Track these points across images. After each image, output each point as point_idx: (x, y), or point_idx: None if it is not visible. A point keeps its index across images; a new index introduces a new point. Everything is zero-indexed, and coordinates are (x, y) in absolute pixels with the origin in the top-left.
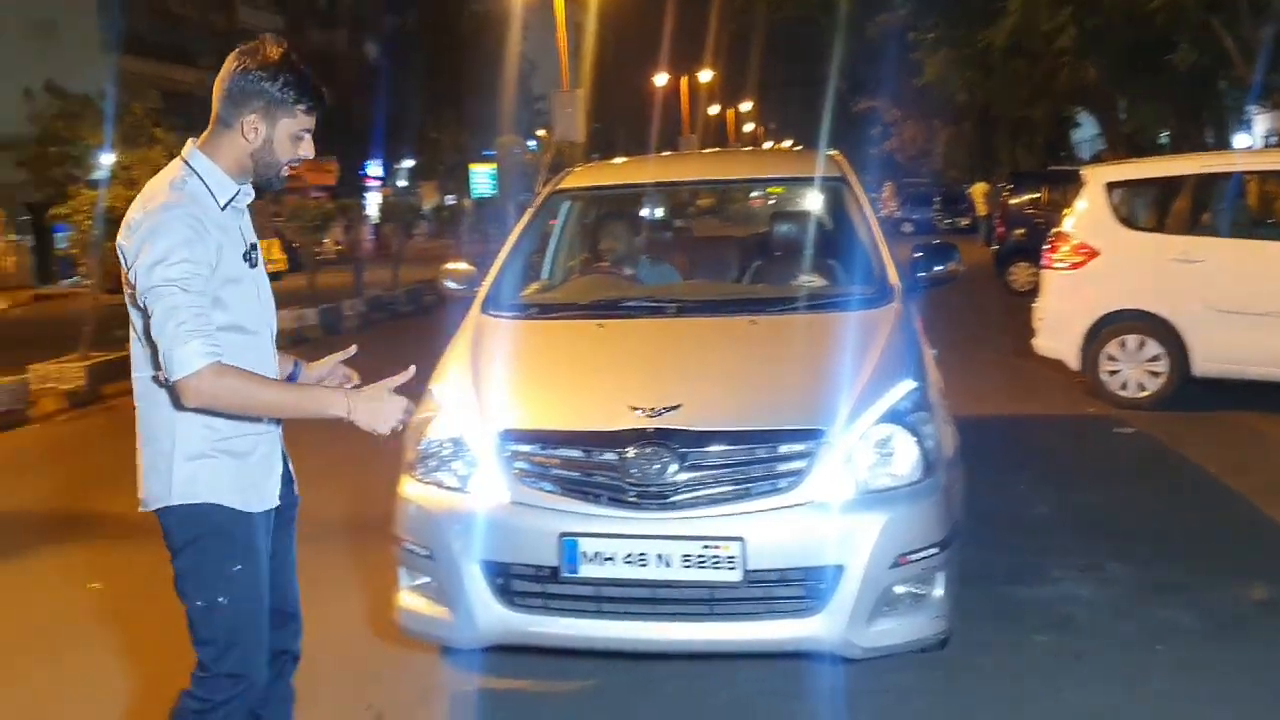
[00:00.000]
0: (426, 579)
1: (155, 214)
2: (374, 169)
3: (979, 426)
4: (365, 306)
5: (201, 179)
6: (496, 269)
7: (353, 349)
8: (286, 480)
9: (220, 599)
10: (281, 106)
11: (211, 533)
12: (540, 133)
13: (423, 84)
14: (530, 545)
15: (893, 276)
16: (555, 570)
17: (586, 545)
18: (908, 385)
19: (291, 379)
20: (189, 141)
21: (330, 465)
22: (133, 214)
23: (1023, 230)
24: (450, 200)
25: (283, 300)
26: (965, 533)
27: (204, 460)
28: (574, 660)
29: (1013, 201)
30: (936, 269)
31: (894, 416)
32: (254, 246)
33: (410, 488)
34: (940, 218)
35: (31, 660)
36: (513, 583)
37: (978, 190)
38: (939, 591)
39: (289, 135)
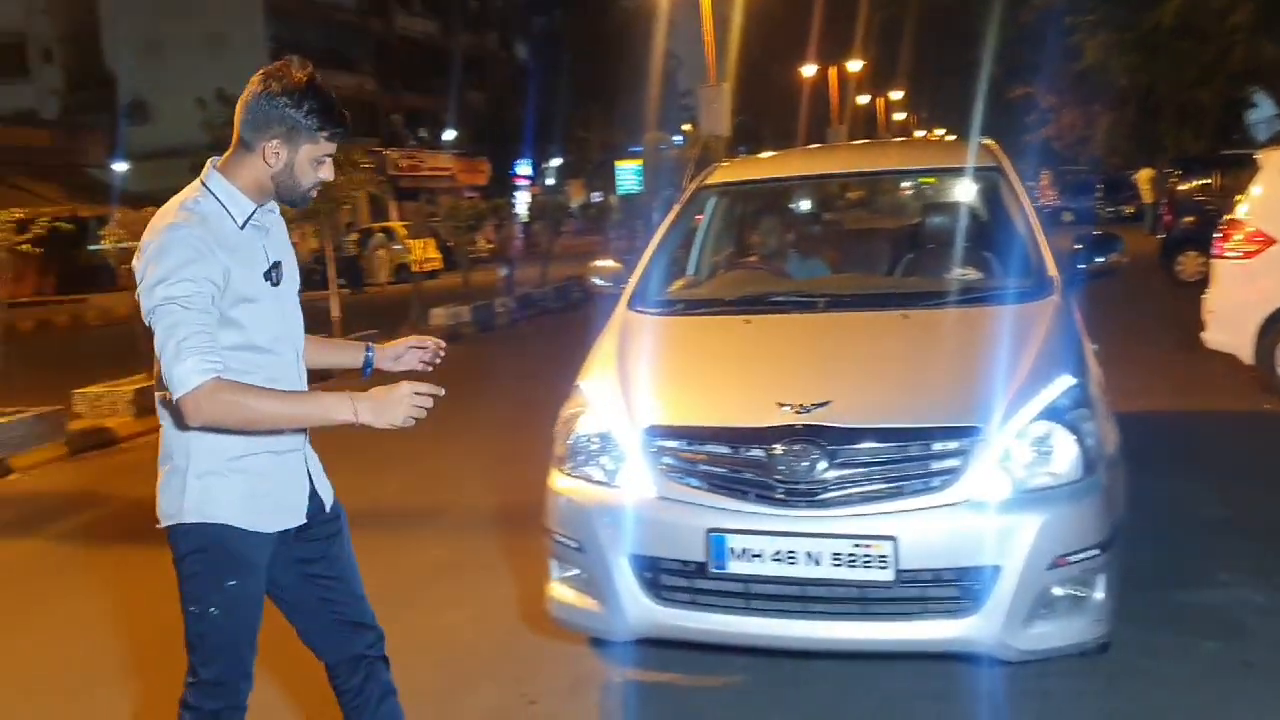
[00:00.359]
0: (576, 571)
1: (161, 235)
2: (523, 168)
3: (1144, 423)
4: (515, 303)
5: (218, 199)
6: (642, 266)
7: (429, 339)
8: (316, 501)
9: (213, 609)
10: (304, 132)
11: (213, 547)
12: (686, 128)
13: (570, 83)
14: (678, 540)
15: (1051, 268)
16: (703, 566)
17: (734, 542)
18: (1066, 381)
19: (366, 364)
20: (209, 162)
21: (488, 463)
22: (144, 237)
23: (1192, 218)
24: (597, 197)
25: (437, 298)
26: (1130, 534)
27: (215, 479)
28: (724, 656)
29: (1181, 188)
30: (1099, 260)
31: (1052, 414)
32: (277, 264)
33: (560, 481)
34: (1102, 206)
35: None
36: (661, 577)
37: (1143, 177)
38: (1099, 594)
39: (310, 160)
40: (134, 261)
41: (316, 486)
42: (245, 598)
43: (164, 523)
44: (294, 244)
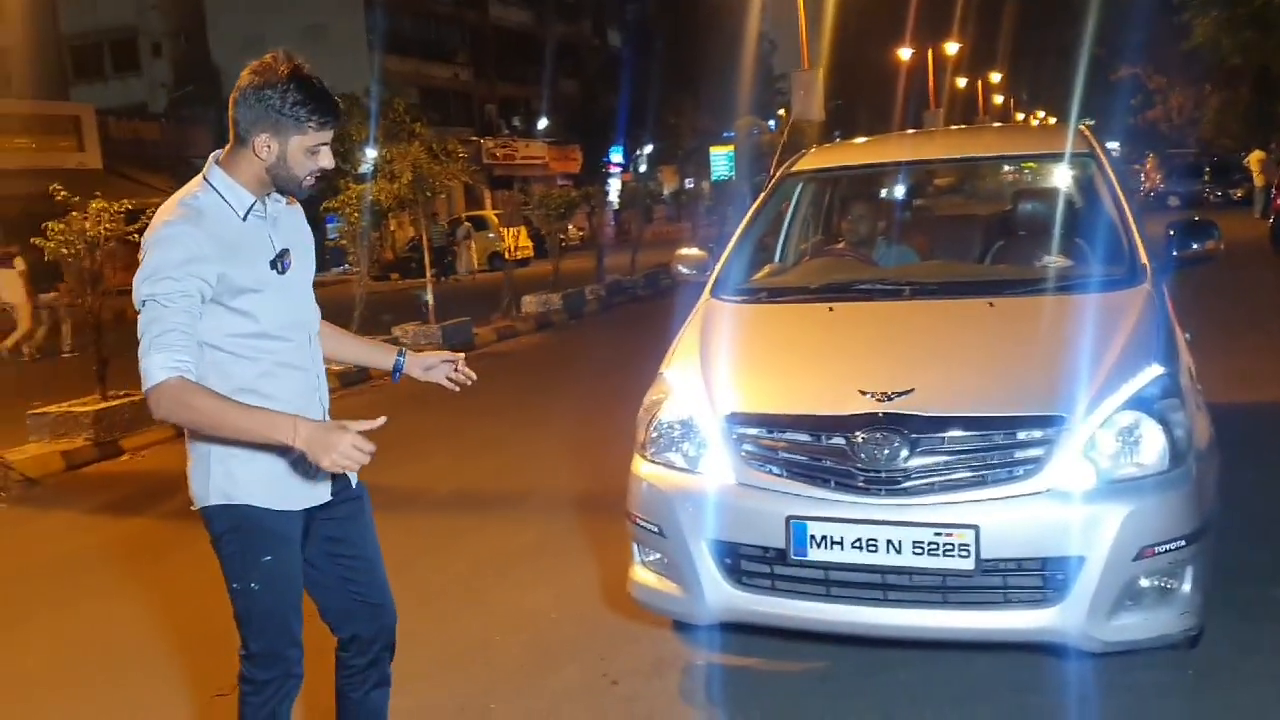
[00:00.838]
0: (658, 555)
1: (156, 231)
2: (615, 156)
3: (1250, 414)
4: (605, 291)
5: (219, 194)
6: (726, 254)
7: (460, 357)
8: (340, 477)
9: (253, 585)
10: (291, 124)
11: (245, 527)
12: (781, 113)
13: (663, 69)
14: (758, 526)
15: (1142, 256)
16: (783, 552)
17: (815, 529)
18: (1155, 371)
19: (396, 369)
20: (211, 157)
21: (575, 447)
22: (146, 234)
23: None
24: (690, 184)
25: (528, 286)
26: (1234, 528)
27: (236, 462)
28: (804, 642)
29: None
30: (1193, 248)
31: (1139, 403)
32: (285, 252)
33: (642, 467)
34: (1209, 190)
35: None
36: (741, 562)
37: (1253, 159)
38: (1187, 586)
39: (303, 151)
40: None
41: None
42: (283, 571)
43: (195, 505)
44: (392, 231)
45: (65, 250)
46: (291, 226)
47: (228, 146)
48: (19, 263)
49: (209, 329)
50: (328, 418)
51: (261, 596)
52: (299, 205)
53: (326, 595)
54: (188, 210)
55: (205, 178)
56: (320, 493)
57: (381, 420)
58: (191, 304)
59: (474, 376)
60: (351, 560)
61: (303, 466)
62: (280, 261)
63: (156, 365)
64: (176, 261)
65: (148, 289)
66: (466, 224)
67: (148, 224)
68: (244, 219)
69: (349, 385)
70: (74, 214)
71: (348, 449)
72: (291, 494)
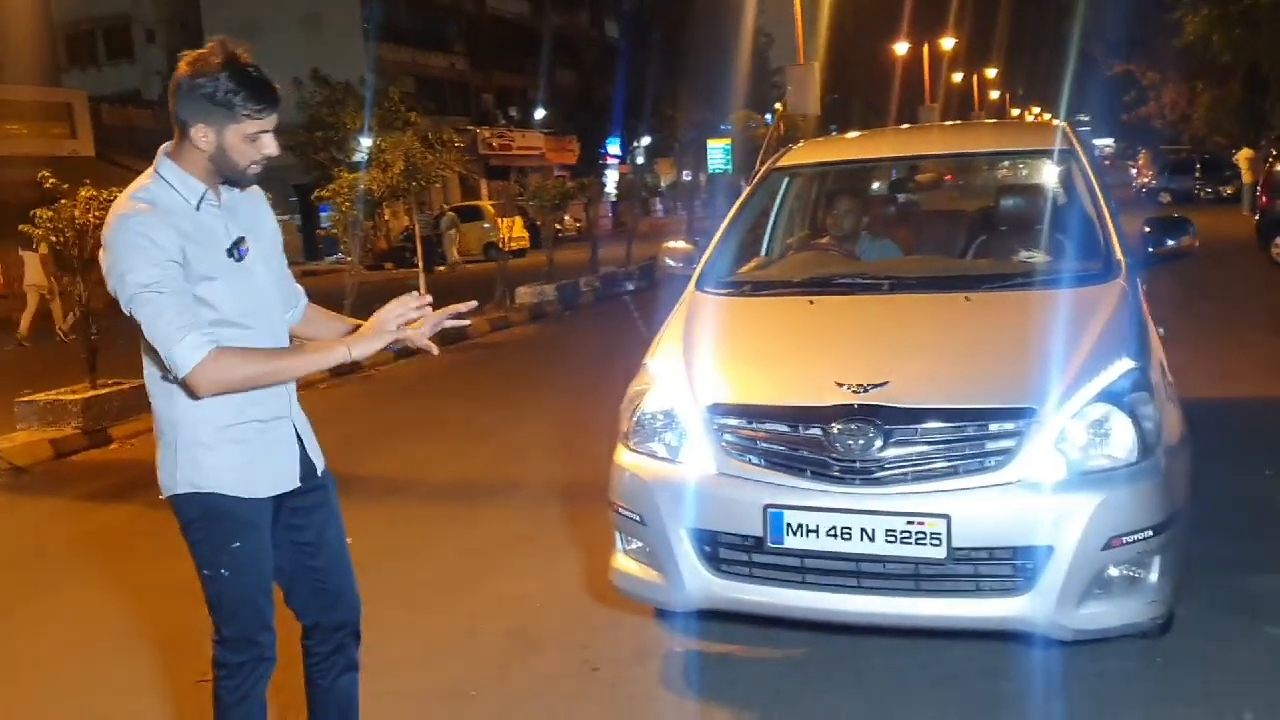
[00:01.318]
0: (639, 543)
1: (114, 227)
2: (612, 147)
3: (1228, 409)
4: (599, 282)
5: (170, 184)
6: (711, 248)
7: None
8: (307, 464)
9: (223, 571)
10: (225, 112)
11: (213, 514)
12: (778, 106)
13: (660, 61)
14: (736, 515)
15: (1118, 251)
16: (760, 540)
17: (791, 517)
18: (1126, 365)
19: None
20: (160, 149)
21: (567, 438)
22: (103, 230)
23: None
24: (687, 176)
25: (523, 277)
26: (1204, 519)
27: (204, 450)
28: (782, 629)
29: (1279, 168)
30: (1169, 243)
31: (1109, 397)
32: (240, 240)
33: (625, 456)
34: (1200, 186)
35: None
36: (720, 551)
37: (1242, 156)
38: (1155, 576)
39: (241, 138)
40: (100, 254)
41: (308, 450)
42: (252, 557)
43: (163, 494)
44: (386, 221)
45: (54, 238)
46: (251, 214)
47: (174, 139)
48: (43, 247)
49: None
50: (294, 403)
51: (232, 582)
52: (260, 193)
53: (290, 582)
54: (138, 202)
55: (156, 170)
56: (287, 479)
57: (426, 298)
58: (179, 284)
59: (426, 300)
60: (313, 548)
61: (270, 455)
62: (236, 249)
63: (191, 347)
64: (147, 247)
65: (134, 279)
66: (450, 214)
67: None
68: (197, 208)
69: (338, 375)
70: (63, 202)
71: (396, 319)
72: (259, 481)
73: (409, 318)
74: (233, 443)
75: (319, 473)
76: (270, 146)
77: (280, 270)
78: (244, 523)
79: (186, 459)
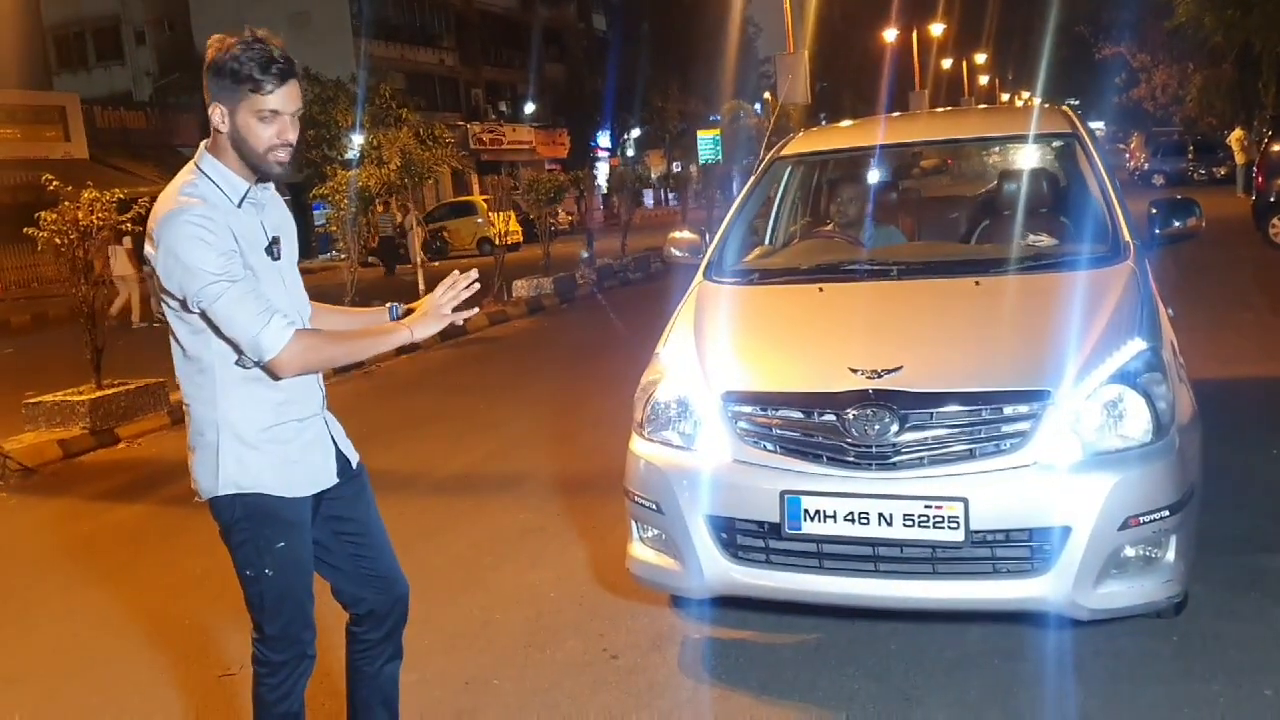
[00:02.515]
0: (656, 531)
1: (167, 225)
2: (603, 140)
3: (1231, 389)
4: (595, 275)
5: (212, 180)
6: (719, 237)
7: (460, 280)
8: (342, 460)
9: (268, 571)
10: (235, 92)
11: (256, 515)
12: (767, 96)
13: (649, 53)
14: (753, 502)
15: (1125, 234)
16: (777, 526)
17: (808, 503)
18: (1138, 345)
19: (391, 313)
20: (201, 145)
21: (571, 429)
22: (150, 224)
23: None
24: (677, 168)
25: (519, 271)
26: (1216, 499)
27: (247, 450)
28: (799, 615)
29: (1275, 148)
30: (1175, 225)
31: (1123, 377)
32: (276, 240)
33: (639, 445)
34: (1194, 168)
35: None
36: (737, 537)
37: (1235, 137)
38: (1170, 555)
39: (254, 117)
40: (146, 249)
41: (340, 447)
42: (296, 556)
43: (202, 497)
44: (377, 218)
45: (58, 240)
46: (279, 215)
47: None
48: (127, 241)
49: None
50: (325, 402)
51: (276, 582)
52: (280, 200)
53: (337, 575)
54: (189, 198)
55: (197, 165)
56: (326, 476)
57: (472, 275)
58: (245, 273)
59: (473, 278)
60: (358, 537)
61: (308, 454)
62: (273, 248)
63: (277, 330)
64: (203, 239)
65: (203, 275)
66: (413, 213)
67: (140, 213)
68: (239, 206)
69: (341, 372)
70: (66, 204)
71: (450, 302)
72: (300, 479)
73: (461, 299)
74: (275, 443)
75: (353, 466)
76: (289, 131)
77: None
78: (288, 522)
79: (230, 460)
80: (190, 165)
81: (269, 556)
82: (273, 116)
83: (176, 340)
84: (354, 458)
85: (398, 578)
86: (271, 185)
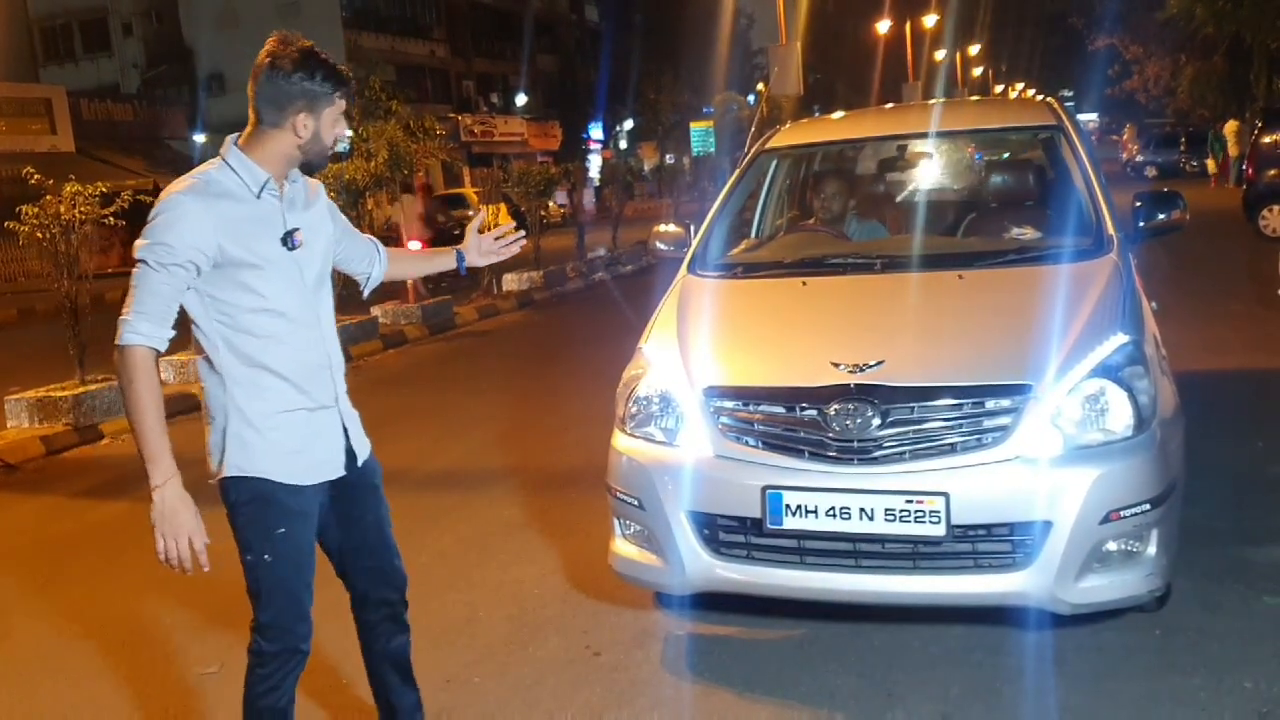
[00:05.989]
0: (638, 527)
1: (163, 200)
2: (595, 132)
3: (1217, 381)
4: (586, 268)
5: (235, 172)
6: (703, 230)
7: (481, 213)
8: (351, 453)
9: (266, 557)
10: (323, 99)
11: (259, 499)
12: (760, 88)
13: (641, 45)
14: (735, 497)
15: (1109, 227)
16: (759, 522)
17: (790, 498)
18: (1120, 339)
19: (460, 263)
20: (228, 139)
21: (558, 424)
22: (157, 200)
23: (1275, 171)
24: (670, 159)
25: (510, 264)
26: (1197, 491)
27: (252, 434)
28: (782, 611)
29: (1265, 140)
30: (1159, 218)
31: (1105, 371)
32: (293, 231)
33: (621, 441)
34: (1186, 160)
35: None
36: (719, 533)
37: (1229, 129)
38: (1152, 549)
39: (331, 122)
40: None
41: (352, 442)
42: (295, 545)
43: (212, 478)
44: (370, 211)
45: (40, 234)
46: (307, 208)
47: (247, 130)
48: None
49: (216, 301)
50: (341, 394)
51: (273, 569)
52: (322, 191)
53: (341, 561)
54: (197, 183)
55: (223, 158)
56: (332, 468)
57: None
58: (179, 272)
59: (522, 235)
60: (361, 529)
61: (315, 444)
62: (289, 238)
63: (129, 329)
64: (175, 229)
65: (145, 249)
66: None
67: (123, 208)
68: (258, 196)
69: None
70: (48, 197)
71: (178, 541)
72: (304, 469)
73: (509, 252)
74: (279, 430)
75: (360, 462)
76: (344, 127)
77: (352, 240)
78: (290, 510)
79: (235, 443)
80: (216, 158)
81: (269, 542)
82: (342, 117)
83: (194, 323)
84: (362, 453)
85: (394, 572)
86: (302, 179)
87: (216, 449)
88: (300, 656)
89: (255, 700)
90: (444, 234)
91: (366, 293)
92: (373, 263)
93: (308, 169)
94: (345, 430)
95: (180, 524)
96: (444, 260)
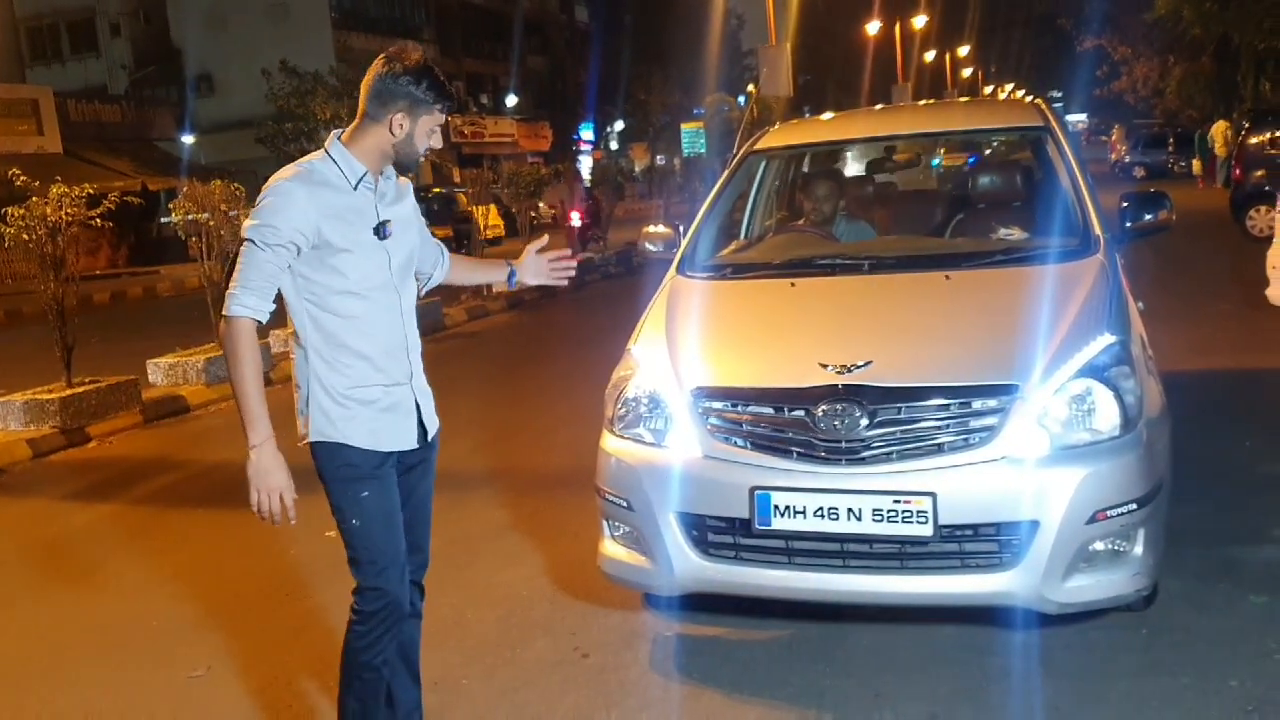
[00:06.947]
0: (626, 528)
1: (271, 186)
2: (586, 133)
3: (1204, 381)
4: (577, 269)
5: (336, 163)
6: (691, 232)
7: (544, 238)
8: (422, 430)
9: (354, 520)
10: (423, 106)
11: (344, 464)
12: (751, 89)
13: (632, 45)
14: (723, 498)
15: (1096, 227)
16: (747, 522)
17: (778, 499)
18: (1106, 339)
19: (510, 279)
20: (332, 134)
21: (550, 425)
22: (265, 186)
23: (1262, 171)
24: (661, 161)
25: None
26: (1185, 490)
27: (332, 404)
28: (771, 612)
29: (1252, 140)
30: (1146, 218)
31: (1092, 371)
32: (385, 222)
33: (610, 442)
34: (1174, 161)
35: (281, 598)
36: (707, 534)
37: (1217, 130)
38: (1139, 548)
39: (427, 130)
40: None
41: (423, 417)
42: (380, 507)
43: (302, 442)
44: None
45: (25, 236)
46: (402, 205)
47: (352, 125)
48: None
49: (308, 282)
50: (417, 372)
51: (361, 532)
52: (410, 189)
53: None
54: (302, 171)
55: (326, 151)
56: (406, 440)
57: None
58: (282, 252)
59: (573, 268)
60: (415, 502)
61: (390, 416)
62: (382, 228)
63: (236, 301)
64: (282, 213)
65: (253, 229)
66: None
67: (110, 209)
68: (355, 187)
69: None
70: (34, 199)
71: (270, 496)
72: (382, 436)
73: (560, 278)
74: (358, 403)
75: (429, 438)
76: (438, 140)
77: (423, 241)
78: (370, 475)
79: (318, 412)
80: (320, 150)
81: (356, 506)
82: (438, 129)
83: (284, 297)
84: (432, 429)
85: (423, 549)
86: (394, 175)
87: (302, 415)
88: (397, 617)
89: (354, 656)
90: (594, 213)
91: (424, 292)
92: (437, 265)
93: (399, 169)
94: (418, 406)
95: (273, 481)
96: (497, 272)
